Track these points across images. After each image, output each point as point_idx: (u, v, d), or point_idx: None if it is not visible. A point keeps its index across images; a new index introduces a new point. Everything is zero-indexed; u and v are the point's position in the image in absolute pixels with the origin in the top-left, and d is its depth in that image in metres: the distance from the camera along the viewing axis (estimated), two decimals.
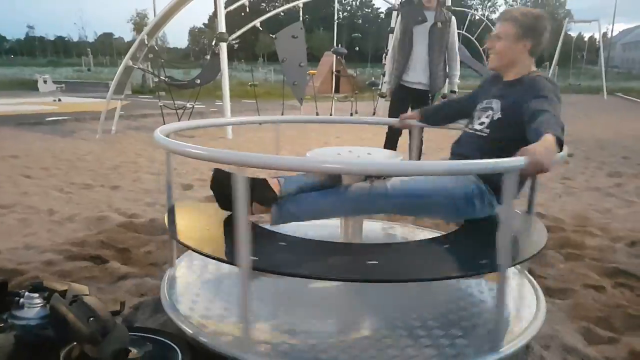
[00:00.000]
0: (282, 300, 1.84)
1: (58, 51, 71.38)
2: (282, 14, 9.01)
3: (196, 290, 1.88)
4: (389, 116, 3.87)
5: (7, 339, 1.28)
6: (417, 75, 3.81)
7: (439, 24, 3.71)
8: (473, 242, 1.75)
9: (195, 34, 76.57)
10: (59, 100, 13.53)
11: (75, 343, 1.36)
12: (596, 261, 2.69)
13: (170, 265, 2.02)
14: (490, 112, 1.94)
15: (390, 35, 9.25)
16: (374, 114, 9.92)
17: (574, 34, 41.75)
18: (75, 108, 11.62)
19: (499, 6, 76.74)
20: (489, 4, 76.87)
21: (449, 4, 10.66)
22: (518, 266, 2.14)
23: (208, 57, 7.12)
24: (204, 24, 73.82)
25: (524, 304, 1.87)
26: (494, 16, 74.78)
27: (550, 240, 2.98)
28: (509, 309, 1.80)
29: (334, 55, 20.27)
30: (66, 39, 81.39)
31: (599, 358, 1.79)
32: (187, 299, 1.79)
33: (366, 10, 71.35)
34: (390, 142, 3.92)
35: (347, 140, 7.41)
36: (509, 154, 1.38)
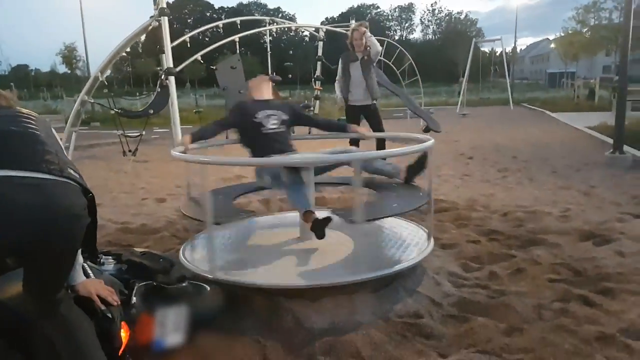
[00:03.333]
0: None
1: None
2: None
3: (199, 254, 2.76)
4: None
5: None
6: (358, 95, 5.31)
7: (365, 57, 5.27)
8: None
9: (116, 64, 74.81)
10: None
11: (144, 282, 2.17)
12: (478, 227, 3.81)
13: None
14: (276, 117, 3.16)
15: (319, 62, 10.51)
16: (309, 132, 10.95)
17: (487, 50, 45.81)
18: None
19: (416, 26, 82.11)
20: (407, 24, 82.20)
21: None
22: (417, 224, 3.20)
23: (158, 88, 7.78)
24: (126, 52, 72.46)
25: (419, 242, 2.89)
26: (411, 36, 79.99)
27: (446, 216, 4.10)
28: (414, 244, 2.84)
29: None
30: None
31: (469, 277, 2.85)
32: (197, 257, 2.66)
33: (290, 34, 73.68)
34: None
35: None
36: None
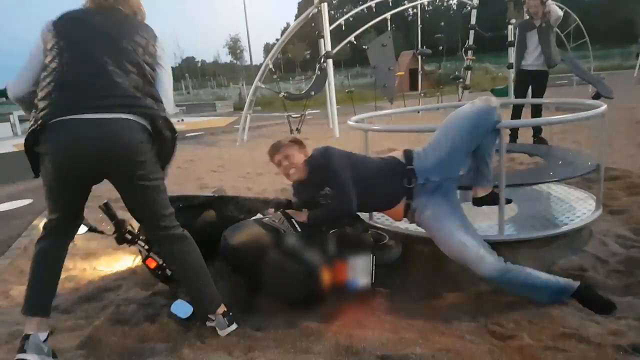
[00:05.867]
0: None
1: None
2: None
3: None
4: (515, 93, 5.77)
5: None
6: (531, 60, 5.48)
7: (543, 25, 5.38)
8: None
9: (269, 50, 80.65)
10: (182, 120, 16.03)
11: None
12: None
13: None
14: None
15: (472, 31, 10.37)
16: (418, 112, 10.82)
17: None
18: (199, 125, 13.93)
19: None
20: None
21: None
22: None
23: (318, 71, 8.57)
24: (276, 39, 77.59)
25: (586, 207, 2.93)
26: None
27: (617, 184, 3.95)
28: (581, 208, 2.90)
29: (411, 54, 20.83)
30: None
31: (638, 239, 2.81)
32: None
33: (436, 3, 70.51)
34: (516, 115, 5.60)
35: None
36: None
